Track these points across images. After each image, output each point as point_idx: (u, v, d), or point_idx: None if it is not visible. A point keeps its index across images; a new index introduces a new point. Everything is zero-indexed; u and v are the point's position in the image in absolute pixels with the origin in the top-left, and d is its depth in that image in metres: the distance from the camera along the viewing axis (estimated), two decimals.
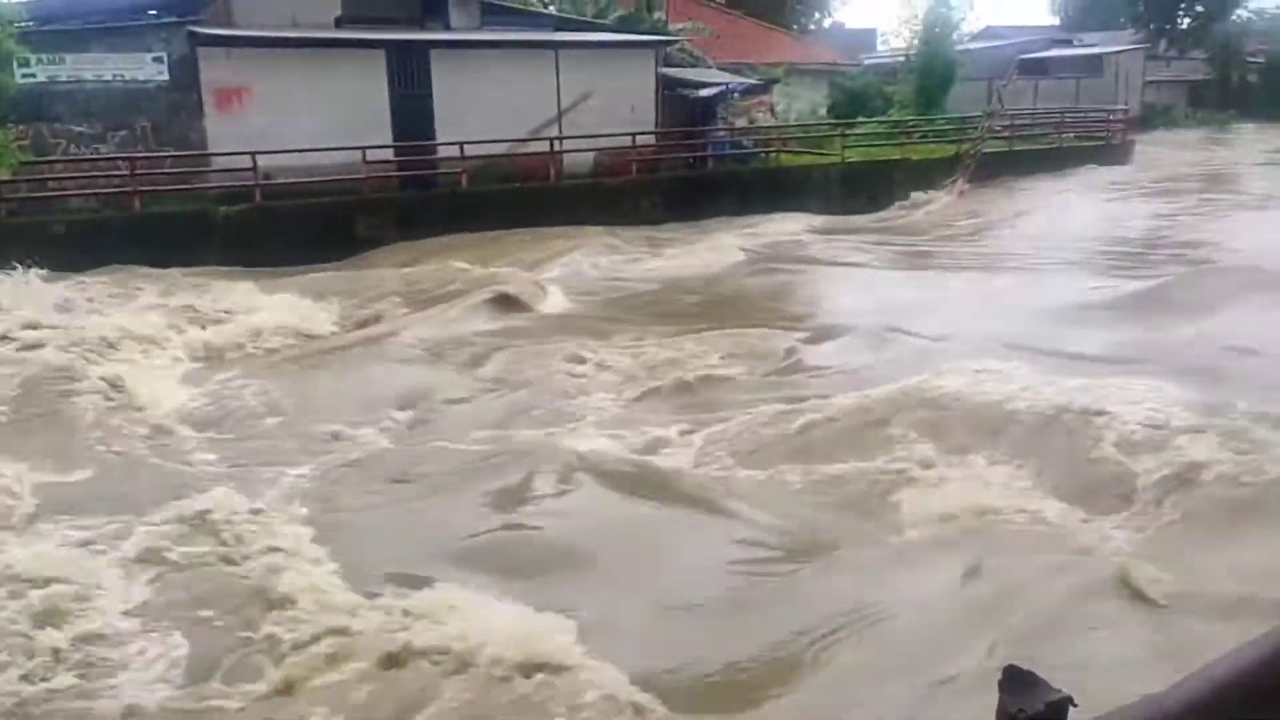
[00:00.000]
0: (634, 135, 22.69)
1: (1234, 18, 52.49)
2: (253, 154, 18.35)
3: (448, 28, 23.55)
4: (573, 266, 17.90)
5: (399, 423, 10.01)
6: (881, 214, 24.35)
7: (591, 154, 22.64)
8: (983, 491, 7.55)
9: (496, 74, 21.96)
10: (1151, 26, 52.23)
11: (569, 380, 11.12)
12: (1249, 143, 40.19)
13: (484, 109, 21.55)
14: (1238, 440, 7.80)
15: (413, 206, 20.22)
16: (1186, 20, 52.96)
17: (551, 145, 22.11)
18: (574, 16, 28.41)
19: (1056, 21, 64.97)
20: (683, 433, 9.21)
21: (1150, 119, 43.11)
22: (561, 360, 11.75)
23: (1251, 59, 53.47)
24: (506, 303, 14.80)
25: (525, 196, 20.95)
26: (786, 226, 21.92)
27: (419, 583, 6.31)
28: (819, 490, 7.92)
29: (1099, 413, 8.44)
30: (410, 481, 8.32)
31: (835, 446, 8.51)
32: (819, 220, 22.80)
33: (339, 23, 21.88)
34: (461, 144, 20.56)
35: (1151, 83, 48.24)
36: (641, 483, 8.04)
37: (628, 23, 29.27)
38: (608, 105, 23.13)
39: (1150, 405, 8.58)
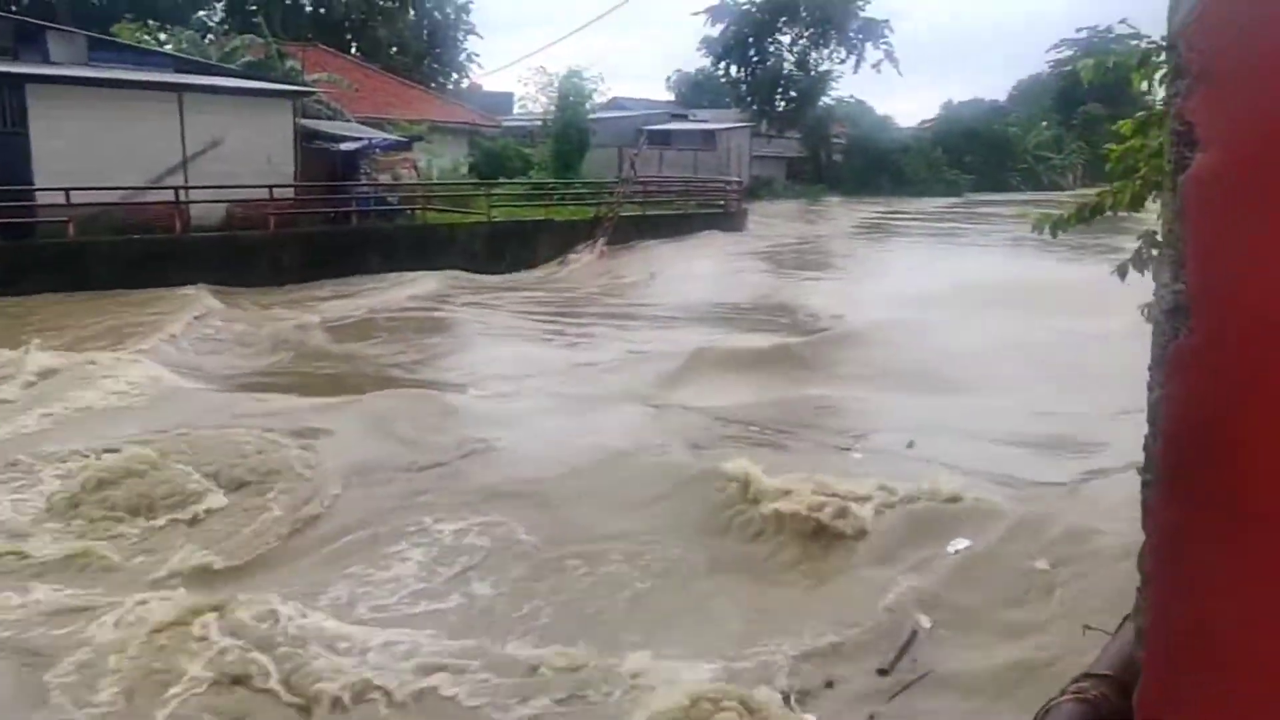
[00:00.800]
0: (271, 187, 21.50)
1: (821, 103, 59.86)
2: None
3: (47, 60, 21.08)
4: (184, 333, 15.78)
5: None
6: (527, 273, 24.88)
7: (224, 205, 21.11)
8: None
9: (109, 115, 19.90)
10: (754, 107, 58.23)
11: None
12: (838, 214, 45.83)
13: (95, 152, 19.41)
14: None
15: (2, 258, 17.65)
16: (783, 103, 59.60)
17: (177, 194, 20.36)
18: (197, 59, 26.53)
19: (672, 97, 70.64)
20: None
21: (757, 190, 47.83)
22: None
23: (836, 140, 61.27)
24: None
25: (147, 250, 19.06)
26: (428, 285, 21.48)
27: None
28: None
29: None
30: None
31: None
32: (466, 278, 22.82)
33: None
34: (67, 190, 18.35)
35: (757, 157, 53.71)
36: None
37: (257, 69, 27.85)
38: (241, 154, 21.75)
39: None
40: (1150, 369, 1.02)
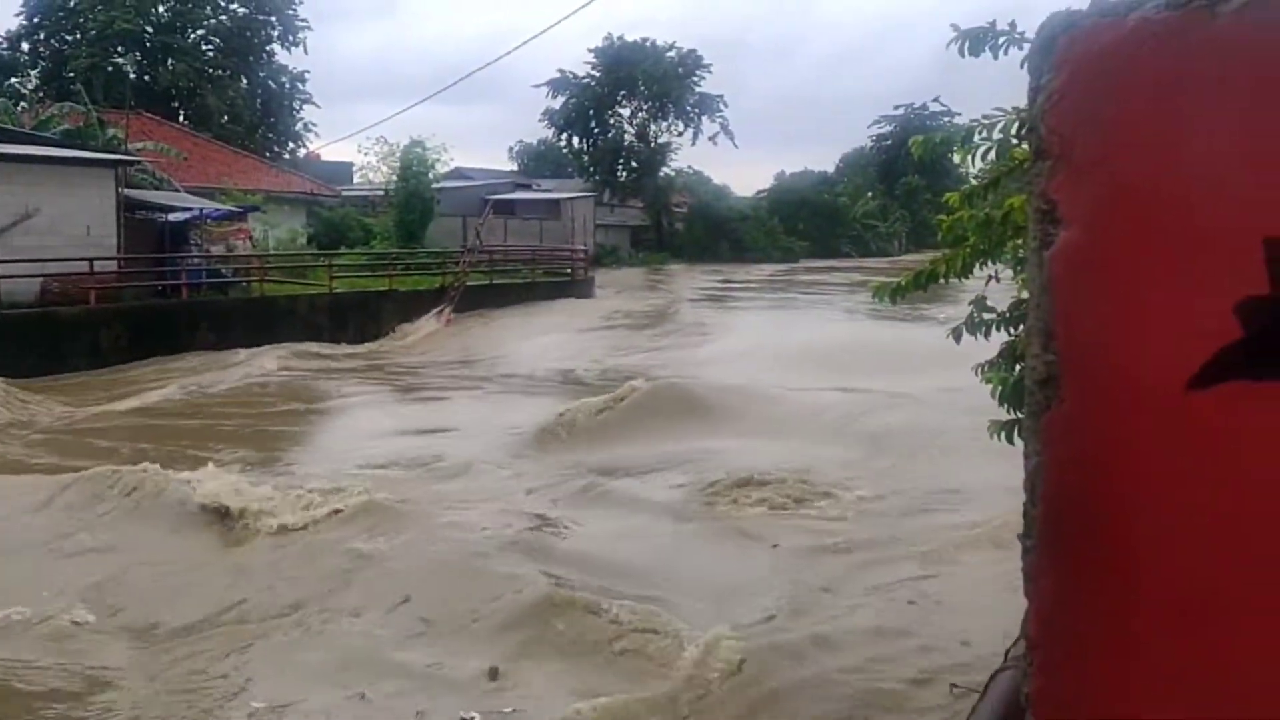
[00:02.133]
0: (91, 260, 20.33)
1: (661, 173, 61.54)
2: None
3: None
4: None
5: None
6: (372, 345, 24.28)
7: (38, 280, 19.79)
8: None
9: None
10: (597, 177, 59.34)
11: None
12: (681, 280, 46.84)
13: None
14: None
15: None
16: (625, 173, 60.97)
17: None
18: (8, 127, 25.06)
19: (515, 167, 71.24)
20: None
21: (602, 257, 48.48)
22: None
23: (677, 209, 62.98)
24: None
25: None
26: (264, 361, 20.47)
27: None
28: None
29: None
30: None
31: None
32: (307, 350, 22.05)
33: None
34: None
35: (601, 226, 54.54)
36: None
37: (75, 138, 26.53)
38: (58, 226, 20.53)
39: None
40: (1025, 438, 1.05)
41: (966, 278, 4.86)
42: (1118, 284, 0.96)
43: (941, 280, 4.90)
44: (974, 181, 4.83)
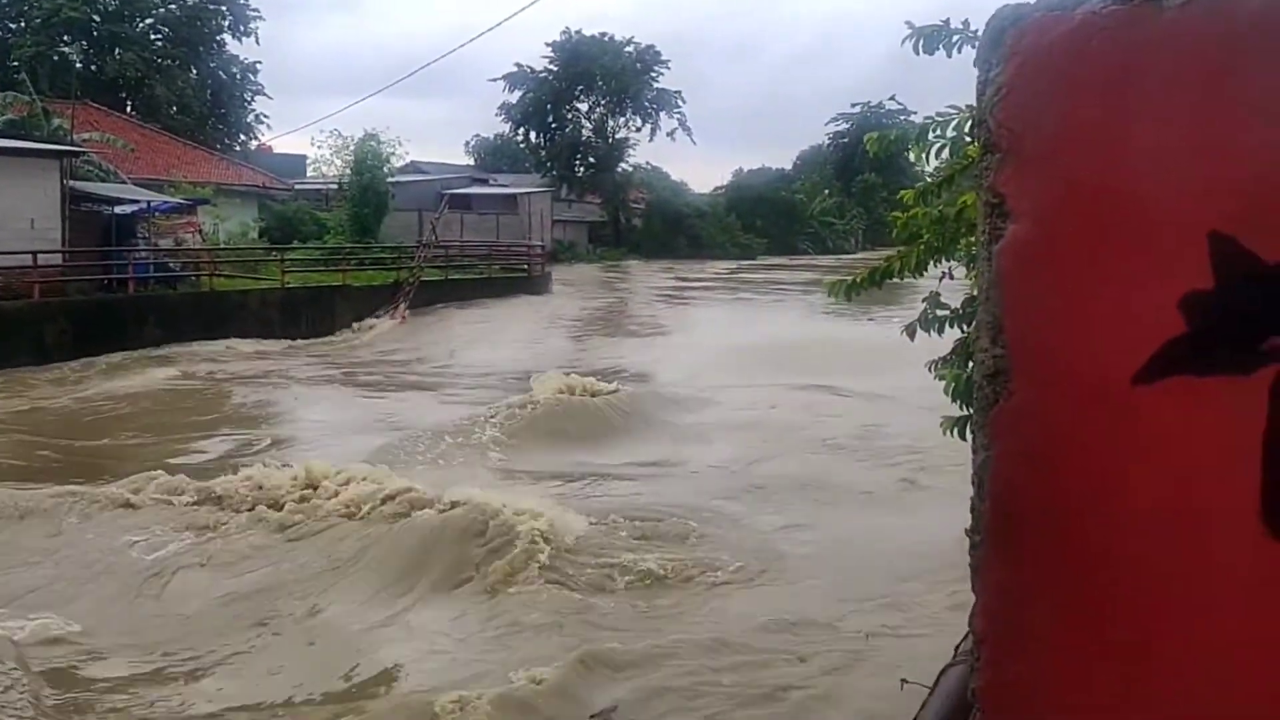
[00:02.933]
0: (35, 254, 19.85)
1: (619, 169, 61.50)
2: None
3: None
4: None
5: None
6: (325, 340, 23.99)
7: None
8: None
9: None
10: (554, 172, 59.12)
11: None
12: (638, 276, 46.87)
13: None
14: None
15: None
16: (582, 169, 60.85)
17: None
18: None
19: (472, 162, 70.75)
20: None
21: (559, 253, 48.35)
22: None
23: (635, 205, 62.99)
24: None
25: None
26: (211, 356, 20.12)
27: None
28: None
29: None
30: None
31: None
32: (257, 346, 21.72)
33: None
34: None
35: (559, 221, 54.38)
36: None
37: (19, 128, 25.90)
38: (0, 219, 20.04)
39: None
40: (973, 432, 1.05)
41: (920, 275, 4.89)
42: (1066, 278, 0.96)
43: (896, 277, 4.93)
44: (928, 179, 4.87)
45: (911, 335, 4.66)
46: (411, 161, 53.70)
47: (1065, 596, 0.98)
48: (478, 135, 75.27)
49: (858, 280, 4.75)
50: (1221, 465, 0.91)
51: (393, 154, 39.34)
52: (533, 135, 62.28)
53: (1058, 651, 0.99)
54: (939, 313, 4.53)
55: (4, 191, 20.35)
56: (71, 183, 22.60)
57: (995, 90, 0.98)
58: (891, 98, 67.42)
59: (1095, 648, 0.97)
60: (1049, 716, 1.00)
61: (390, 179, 38.34)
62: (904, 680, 3.26)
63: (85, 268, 22.20)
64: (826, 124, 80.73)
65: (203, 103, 46.70)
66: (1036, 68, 0.97)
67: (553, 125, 61.04)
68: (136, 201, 24.18)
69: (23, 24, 42.77)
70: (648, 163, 65.09)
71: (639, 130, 61.71)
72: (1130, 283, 0.93)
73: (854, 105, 74.19)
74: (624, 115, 61.24)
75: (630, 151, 62.41)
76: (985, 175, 0.99)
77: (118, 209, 23.35)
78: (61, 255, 21.30)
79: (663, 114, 61.16)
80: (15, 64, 38.30)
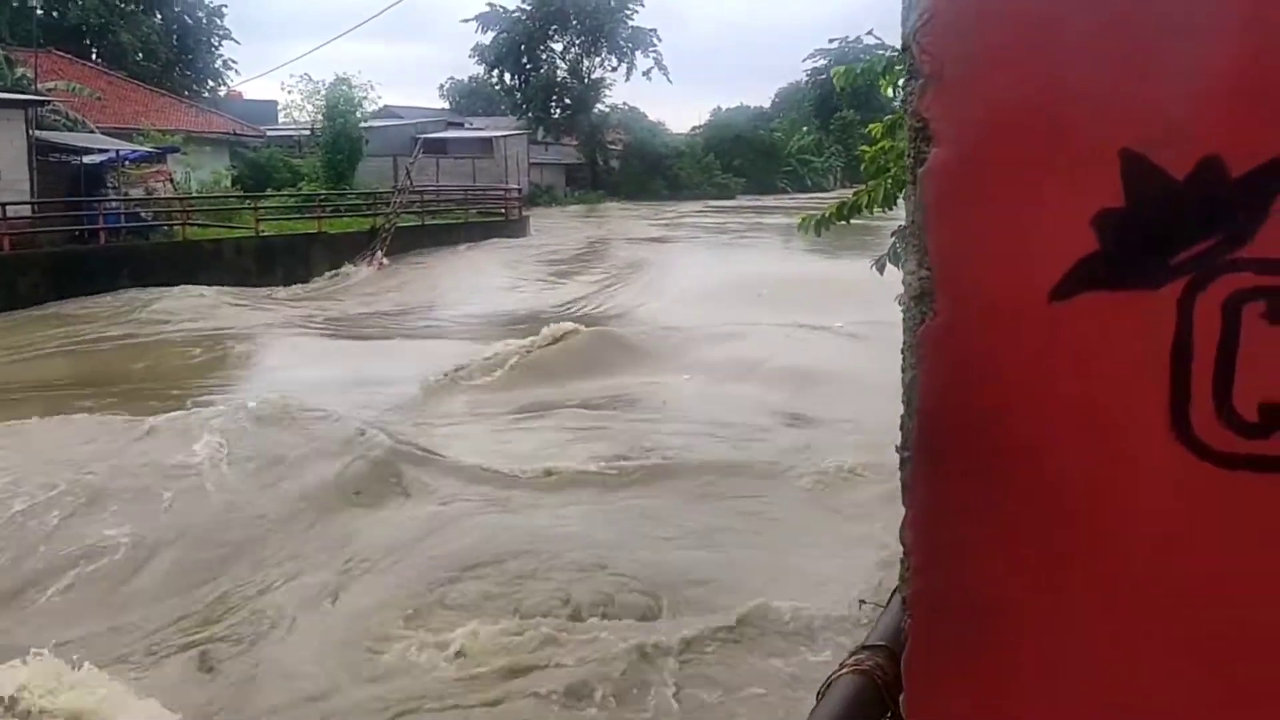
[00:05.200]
0: (3, 205, 19.57)
1: (595, 110, 60.74)
2: None
3: None
4: None
5: None
6: (301, 288, 23.84)
7: None
8: None
9: None
10: (530, 114, 58.33)
11: None
12: (616, 218, 46.57)
13: None
14: None
15: None
16: (558, 110, 60.05)
17: None
18: None
19: (447, 105, 69.66)
20: None
21: (536, 197, 47.95)
22: None
23: (612, 146, 62.32)
24: None
25: None
26: (185, 305, 19.96)
27: None
28: None
29: None
30: None
31: None
32: (232, 294, 21.56)
33: None
34: None
35: (536, 164, 53.81)
36: None
37: None
38: None
39: None
40: (903, 351, 1.09)
41: (889, 208, 4.92)
42: (987, 200, 0.99)
43: (866, 211, 4.95)
44: (897, 113, 4.87)
45: (880, 270, 4.70)
46: (385, 106, 52.84)
47: (988, 506, 1.02)
48: (452, 78, 74.03)
49: (826, 215, 4.78)
50: (1134, 376, 0.95)
51: (365, 98, 38.79)
52: (507, 77, 61.33)
53: (982, 558, 1.04)
54: None
55: None
56: (38, 133, 22.20)
57: (919, 15, 1.00)
58: (870, 32, 66.01)
59: (1017, 552, 1.01)
60: (975, 620, 1.05)
61: (363, 124, 37.80)
62: (861, 600, 3.35)
63: (55, 219, 21.90)
64: (804, 60, 79.82)
65: (169, 48, 45.73)
66: None
67: (527, 66, 60.09)
68: (105, 151, 23.80)
69: None
70: (625, 103, 64.35)
71: (614, 70, 60.92)
72: (1047, 203, 0.96)
73: (831, 41, 72.21)
74: (599, 55, 60.35)
75: (606, 92, 61.68)
76: (910, 100, 1.01)
77: (86, 159, 22.99)
78: (30, 206, 21.00)
79: (638, 53, 60.32)
80: None
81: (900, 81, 4.58)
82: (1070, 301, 0.96)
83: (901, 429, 1.08)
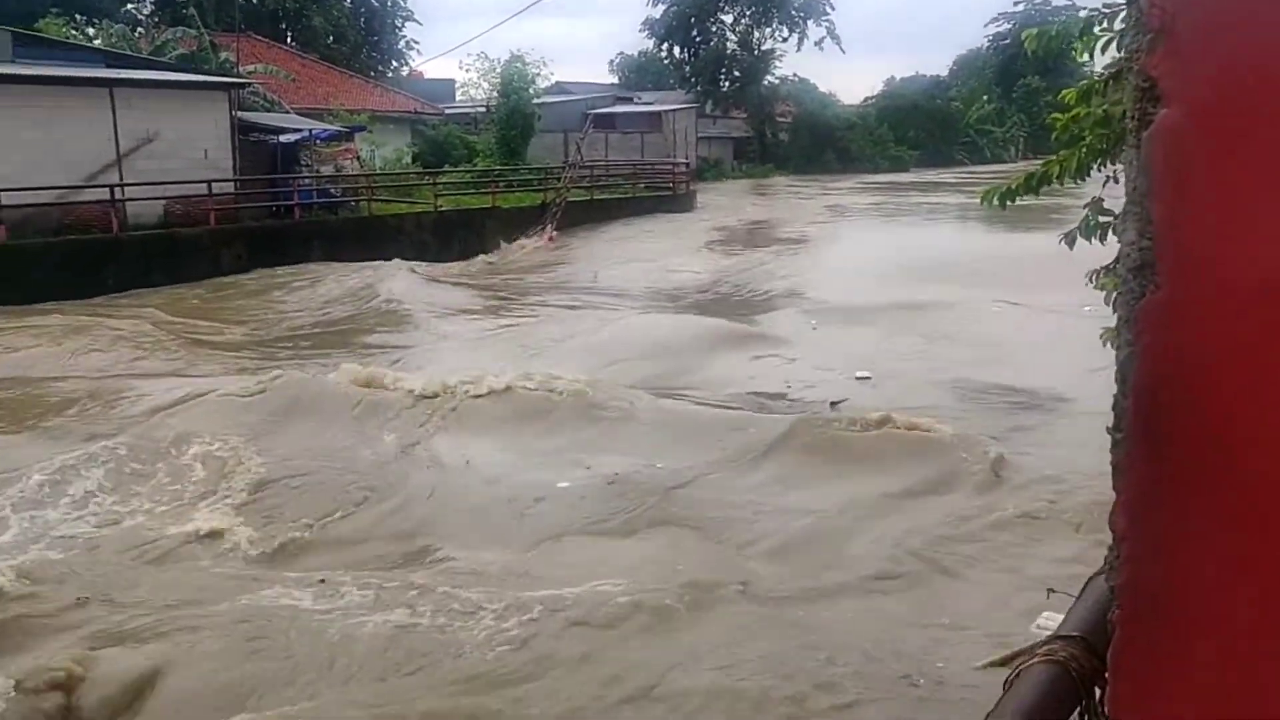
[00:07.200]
0: (210, 182, 21.06)
1: (765, 82, 59.96)
2: None
3: None
4: None
5: None
6: (477, 260, 24.67)
7: (161, 203, 20.64)
8: None
9: (36, 113, 19.35)
10: (699, 88, 58.14)
11: None
12: (786, 193, 45.98)
13: (24, 152, 18.86)
14: None
15: None
16: (727, 83, 59.61)
17: (112, 193, 19.87)
18: (128, 53, 25.88)
19: (616, 80, 70.33)
20: None
21: (704, 171, 47.86)
22: None
23: (781, 119, 61.42)
24: None
25: (81, 253, 18.57)
26: (382, 275, 21.20)
27: None
28: None
29: None
30: None
31: None
32: (419, 267, 22.55)
33: None
34: None
35: (703, 138, 53.66)
36: None
37: (190, 62, 27.25)
38: (177, 150, 21.30)
39: None
40: (1118, 327, 1.02)
41: (1083, 180, 4.65)
42: (1218, 166, 0.91)
43: (1056, 183, 4.70)
44: (1094, 78, 4.58)
45: (1071, 244, 4.45)
46: (557, 82, 53.79)
47: (1209, 499, 0.95)
48: (622, 53, 74.63)
49: (1013, 187, 4.56)
50: None
51: (538, 75, 39.49)
52: (676, 50, 61.25)
53: (1199, 556, 0.97)
54: (1101, 219, 4.31)
55: (180, 124, 21.57)
56: (239, 114, 23.74)
57: None
58: None
59: (1238, 546, 0.94)
60: (1186, 616, 0.98)
61: (536, 100, 38.62)
62: (1050, 590, 3.21)
63: (255, 195, 23.41)
64: (986, 25, 76.15)
65: (357, 31, 47.99)
66: None
67: (697, 39, 59.85)
68: (299, 130, 25.21)
69: None
70: (795, 75, 63.08)
71: (785, 41, 59.86)
72: None
73: (1016, 3, 69.65)
74: (770, 25, 59.40)
75: (776, 64, 60.68)
76: (1136, 57, 0.95)
77: (282, 138, 24.41)
78: (234, 184, 22.52)
79: (810, 22, 59.06)
80: (183, 0, 40.17)
81: (1099, 46, 4.31)
82: None
83: (1114, 409, 1.02)
